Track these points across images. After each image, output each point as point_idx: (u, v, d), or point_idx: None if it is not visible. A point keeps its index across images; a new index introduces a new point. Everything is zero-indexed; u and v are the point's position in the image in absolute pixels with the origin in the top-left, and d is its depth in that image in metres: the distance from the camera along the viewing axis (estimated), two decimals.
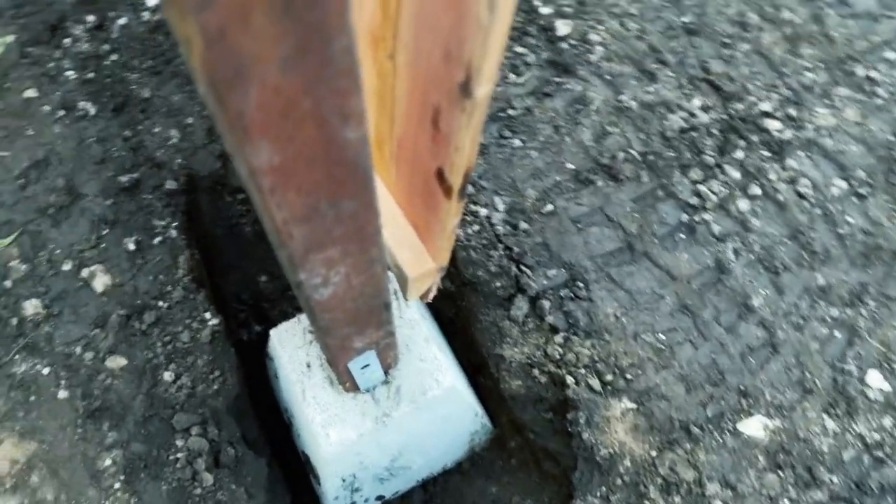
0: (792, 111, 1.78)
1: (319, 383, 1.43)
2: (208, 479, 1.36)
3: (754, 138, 1.72)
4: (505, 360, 1.54)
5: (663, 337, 1.49)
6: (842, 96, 1.81)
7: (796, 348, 1.47)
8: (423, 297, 1.27)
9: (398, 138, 1.02)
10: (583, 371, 1.46)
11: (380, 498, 1.70)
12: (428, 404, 1.42)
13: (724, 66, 1.85)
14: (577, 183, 1.66)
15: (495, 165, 1.66)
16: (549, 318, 1.51)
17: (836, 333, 1.50)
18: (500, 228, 1.58)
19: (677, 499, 1.33)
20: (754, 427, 1.40)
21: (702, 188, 1.64)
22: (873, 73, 1.85)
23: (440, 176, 0.93)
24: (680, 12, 1.94)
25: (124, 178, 1.56)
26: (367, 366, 1.30)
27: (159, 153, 1.62)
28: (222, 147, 1.63)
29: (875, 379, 1.45)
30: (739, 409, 1.41)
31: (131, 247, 1.50)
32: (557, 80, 1.79)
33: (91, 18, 1.78)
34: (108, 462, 1.34)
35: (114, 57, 1.73)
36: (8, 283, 1.46)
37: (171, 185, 1.59)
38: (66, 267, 1.47)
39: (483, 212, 1.59)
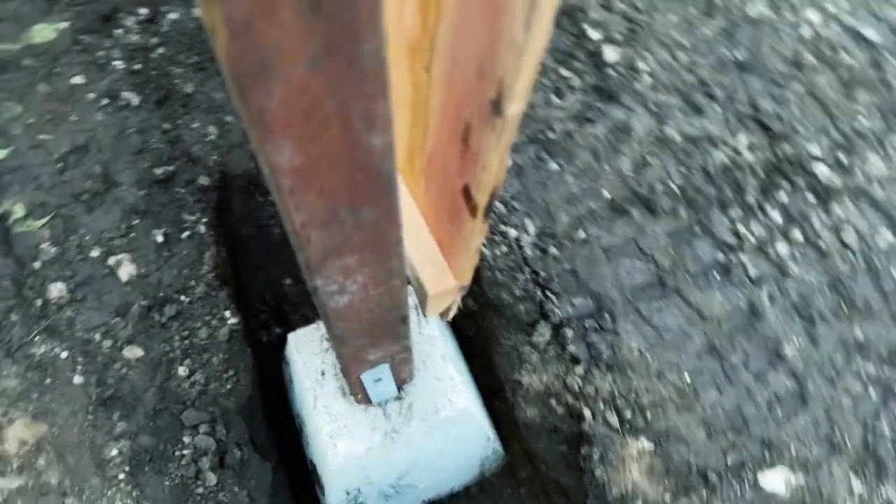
0: (842, 157, 1.72)
1: (332, 392, 1.41)
2: (212, 478, 1.34)
3: (800, 182, 1.66)
4: (522, 386, 1.50)
5: (688, 378, 1.44)
6: None
7: (827, 402, 1.41)
8: (443, 315, 1.25)
9: (429, 152, 1.00)
10: (601, 405, 1.41)
11: None
12: (439, 424, 1.40)
13: (775, 106, 1.80)
14: (611, 212, 1.62)
15: (530, 187, 1.63)
16: (571, 348, 1.47)
17: (871, 391, 1.43)
18: (529, 251, 1.55)
19: None
20: (776, 481, 1.34)
21: (741, 228, 1.59)
22: None
23: (467, 193, 0.91)
24: (733, 47, 1.90)
25: (159, 171, 1.57)
26: (380, 379, 1.28)
27: (196, 148, 1.63)
28: None
29: None
30: (762, 460, 1.35)
31: (159, 239, 1.51)
32: (601, 106, 1.76)
33: (143, 11, 1.81)
34: (114, 452, 1.34)
35: (161, 50, 1.75)
36: (37, 265, 1.47)
37: (204, 180, 1.60)
38: (95, 253, 1.48)
39: (513, 233, 1.57)
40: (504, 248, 1.55)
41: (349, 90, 0.50)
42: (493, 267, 1.54)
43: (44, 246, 1.49)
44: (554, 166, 1.66)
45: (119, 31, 1.77)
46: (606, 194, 1.64)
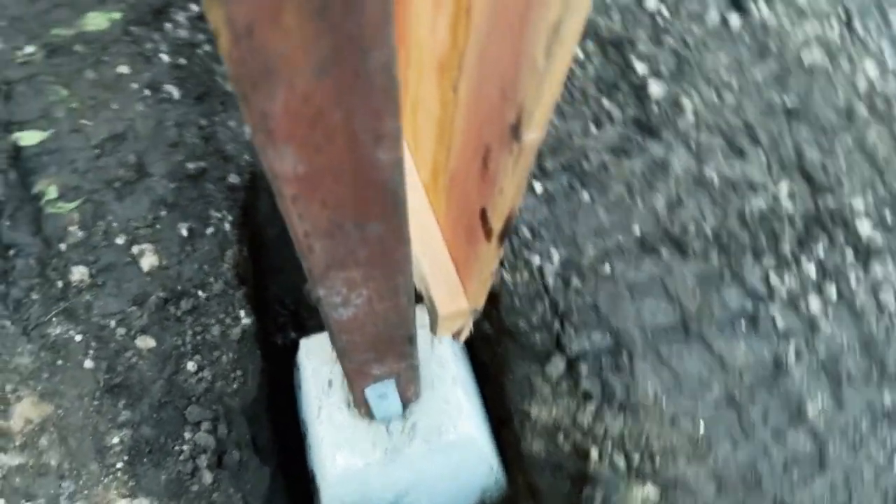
0: (887, 214, 1.66)
1: (337, 403, 1.40)
2: (208, 477, 1.33)
3: (840, 236, 1.60)
4: (531, 417, 1.46)
5: (703, 427, 1.39)
6: None
7: (847, 469, 1.35)
8: (454, 337, 1.23)
9: (451, 171, 0.99)
10: (609, 446, 1.37)
11: None
12: (442, 448, 1.37)
13: (821, 156, 1.74)
14: (640, 249, 1.58)
15: (558, 216, 1.60)
16: (585, 384, 1.43)
17: None
18: (551, 281, 1.52)
19: None
20: None
21: (773, 278, 1.54)
22: None
23: (483, 216, 0.89)
24: (783, 92, 1.85)
25: (192, 165, 1.58)
26: (385, 395, 1.26)
27: (229, 147, 1.64)
28: None
29: None
30: None
31: (184, 232, 1.52)
32: (640, 140, 1.72)
33: (195, 8, 1.84)
34: (116, 440, 1.34)
35: (207, 48, 1.77)
36: (63, 247, 1.49)
37: (234, 179, 1.60)
38: (119, 241, 1.50)
39: (536, 260, 1.54)
40: (526, 275, 1.52)
41: (356, 103, 0.49)
42: (513, 293, 1.51)
43: (72, 229, 1.51)
44: (586, 197, 1.63)
45: (169, 26, 1.80)
46: (637, 230, 1.60)
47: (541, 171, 1.66)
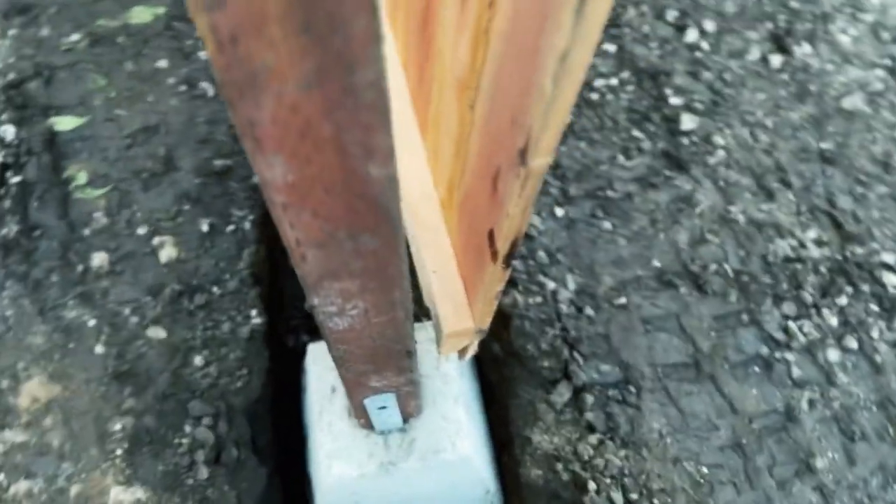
0: None
1: (338, 411, 1.39)
2: (204, 472, 1.34)
3: (865, 288, 1.56)
4: (532, 444, 1.45)
5: (706, 471, 1.36)
6: None
7: None
8: (459, 355, 1.22)
9: (465, 189, 0.98)
10: (608, 481, 1.35)
11: None
12: (438, 466, 1.36)
13: (853, 204, 1.71)
14: (658, 283, 1.56)
15: (578, 242, 1.59)
16: (589, 415, 1.41)
17: None
18: (564, 307, 1.51)
19: None
20: None
21: (791, 325, 1.50)
22: None
23: (491, 237, 0.88)
24: (819, 137, 1.82)
25: (218, 162, 1.60)
26: (385, 407, 1.25)
27: None
28: None
29: None
30: None
31: (204, 228, 1.54)
32: (667, 173, 1.70)
33: None
34: (118, 426, 1.36)
35: None
36: (87, 232, 1.52)
37: (258, 179, 1.62)
38: (141, 231, 1.52)
39: (551, 285, 1.53)
40: (539, 299, 1.51)
41: (345, 117, 0.49)
42: (524, 316, 1.50)
43: (97, 215, 1.54)
44: (607, 225, 1.62)
45: None
46: (656, 264, 1.58)
47: (564, 196, 1.65)
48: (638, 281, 1.56)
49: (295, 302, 1.88)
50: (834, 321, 1.51)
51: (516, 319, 1.50)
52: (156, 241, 1.52)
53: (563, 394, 1.44)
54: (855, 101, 1.89)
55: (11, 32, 1.76)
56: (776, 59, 1.92)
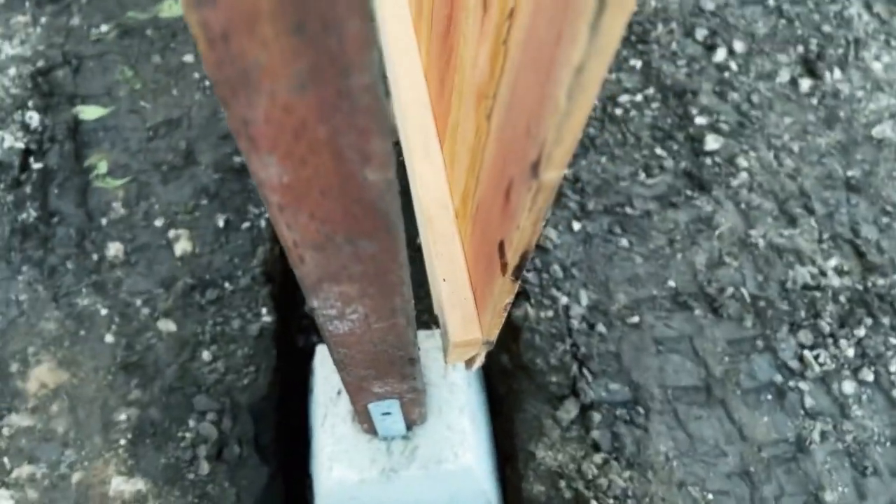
0: None
1: (342, 414, 1.39)
2: (205, 468, 1.34)
3: (884, 320, 1.53)
4: (535, 459, 1.43)
5: (711, 497, 1.33)
6: None
7: None
8: (467, 365, 1.21)
9: (478, 199, 0.98)
10: (611, 501, 1.33)
11: None
12: (439, 475, 1.35)
13: (877, 235, 1.67)
14: (673, 303, 1.54)
15: (593, 258, 1.57)
16: (595, 433, 1.39)
17: None
18: (576, 323, 1.49)
19: None
20: None
21: (807, 354, 1.47)
22: None
23: (501, 249, 0.87)
24: (846, 164, 1.79)
25: (238, 159, 1.61)
26: (388, 413, 1.24)
27: None
28: None
29: None
30: None
31: (220, 223, 1.54)
32: (689, 193, 1.68)
33: None
34: (123, 417, 1.36)
35: None
36: (104, 221, 1.53)
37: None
38: (158, 223, 1.53)
39: (563, 300, 1.51)
40: (550, 313, 1.50)
41: (341, 121, 0.48)
42: (535, 329, 1.48)
43: (115, 205, 1.55)
44: (624, 243, 1.60)
45: None
46: (672, 284, 1.56)
47: (582, 210, 1.63)
48: (652, 300, 1.54)
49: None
50: (851, 352, 1.48)
51: (527, 332, 1.48)
52: (171, 234, 1.53)
53: (570, 410, 1.43)
54: (884, 130, 1.86)
55: (43, 20, 1.78)
56: (805, 83, 1.90)
